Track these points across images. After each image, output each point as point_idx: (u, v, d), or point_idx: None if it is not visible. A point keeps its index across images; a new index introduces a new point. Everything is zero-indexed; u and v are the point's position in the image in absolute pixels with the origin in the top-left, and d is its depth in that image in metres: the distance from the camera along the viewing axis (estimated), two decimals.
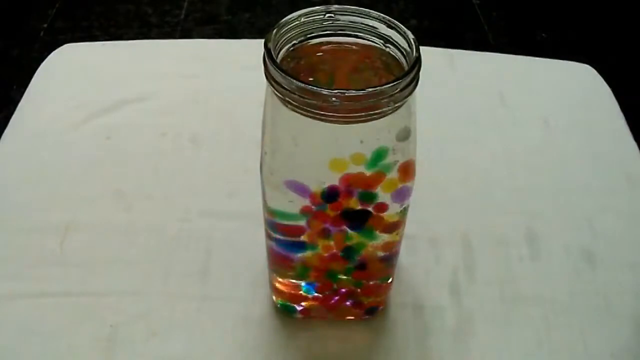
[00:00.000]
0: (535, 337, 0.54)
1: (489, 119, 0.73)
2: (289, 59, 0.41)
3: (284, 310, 0.54)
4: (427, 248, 0.59)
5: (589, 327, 0.54)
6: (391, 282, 0.54)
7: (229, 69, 0.76)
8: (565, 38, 1.87)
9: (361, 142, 0.40)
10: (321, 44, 0.43)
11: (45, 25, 1.87)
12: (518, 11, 2.00)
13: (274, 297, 0.55)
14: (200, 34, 1.84)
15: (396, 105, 0.38)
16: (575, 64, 0.82)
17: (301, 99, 0.36)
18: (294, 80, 0.36)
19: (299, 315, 0.54)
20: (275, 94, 0.38)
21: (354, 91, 0.36)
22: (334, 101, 0.36)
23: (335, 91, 0.36)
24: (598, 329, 0.54)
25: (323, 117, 0.37)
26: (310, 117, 0.38)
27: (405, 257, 0.57)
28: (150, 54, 0.81)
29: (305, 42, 0.42)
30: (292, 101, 0.37)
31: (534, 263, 0.59)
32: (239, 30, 1.88)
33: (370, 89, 0.37)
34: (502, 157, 0.68)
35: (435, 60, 0.80)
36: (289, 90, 0.37)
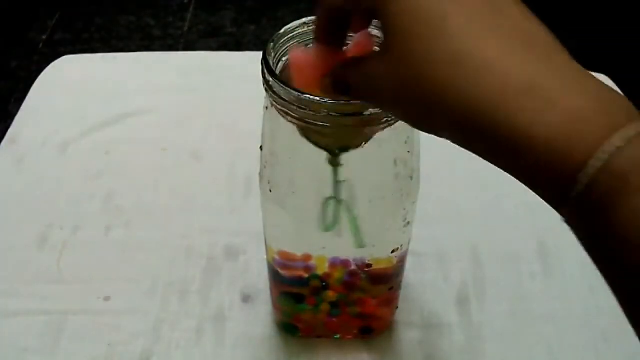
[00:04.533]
0: (548, 356, 0.52)
1: None
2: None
3: (286, 330, 0.53)
4: (435, 265, 0.58)
5: (604, 346, 0.52)
6: (396, 300, 0.52)
7: (231, 82, 0.75)
8: (581, 48, 1.85)
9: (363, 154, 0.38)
10: None
11: (44, 37, 1.86)
12: None
13: (275, 316, 0.53)
14: (204, 47, 1.83)
15: None
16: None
17: (300, 109, 0.35)
18: (293, 91, 0.35)
19: (301, 335, 0.53)
20: (274, 105, 0.37)
21: (354, 102, 0.35)
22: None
23: (334, 102, 0.34)
24: (614, 348, 0.52)
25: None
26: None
27: (412, 274, 0.55)
28: (150, 67, 0.80)
29: None
30: (291, 112, 0.36)
31: (546, 279, 0.57)
32: (244, 43, 1.86)
33: None
34: None
35: None
36: (287, 101, 0.35)
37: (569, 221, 0.26)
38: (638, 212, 0.23)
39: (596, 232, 0.25)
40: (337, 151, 0.38)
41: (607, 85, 0.25)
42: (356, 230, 0.43)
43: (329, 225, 0.43)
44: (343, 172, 0.39)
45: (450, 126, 0.27)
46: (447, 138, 0.28)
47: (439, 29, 0.26)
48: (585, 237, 0.25)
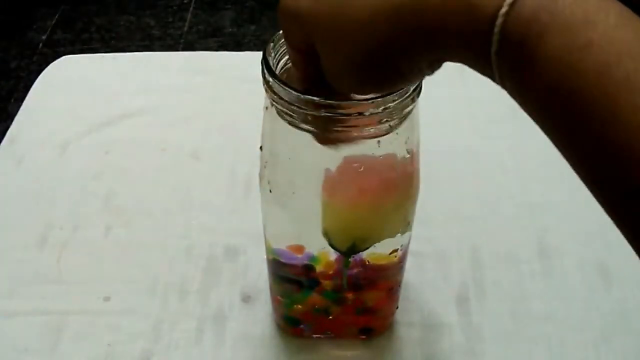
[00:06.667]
0: (548, 356, 0.52)
1: (499, 131, 0.71)
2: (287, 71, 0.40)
3: (288, 323, 0.53)
4: (435, 265, 0.58)
5: (604, 345, 0.52)
6: (396, 300, 0.52)
7: (231, 82, 0.75)
8: None
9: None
10: None
11: (44, 37, 1.86)
12: None
13: (275, 316, 0.53)
14: (204, 47, 1.83)
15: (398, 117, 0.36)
16: None
17: (300, 110, 0.35)
18: (293, 91, 0.35)
19: (302, 333, 0.53)
20: (274, 105, 0.37)
21: (353, 102, 0.34)
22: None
23: (333, 102, 0.34)
24: (613, 347, 0.52)
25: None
26: None
27: (412, 274, 0.55)
28: (150, 67, 0.80)
29: None
30: (291, 112, 0.36)
31: (546, 279, 0.57)
32: (244, 43, 1.86)
33: (370, 100, 0.35)
34: (513, 170, 0.66)
35: (445, 71, 0.78)
36: (287, 101, 0.35)
37: (510, 92, 0.25)
38: (556, 50, 0.22)
39: (528, 88, 0.24)
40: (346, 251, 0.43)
41: None
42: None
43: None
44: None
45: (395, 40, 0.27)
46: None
47: None
48: (526, 102, 0.24)
